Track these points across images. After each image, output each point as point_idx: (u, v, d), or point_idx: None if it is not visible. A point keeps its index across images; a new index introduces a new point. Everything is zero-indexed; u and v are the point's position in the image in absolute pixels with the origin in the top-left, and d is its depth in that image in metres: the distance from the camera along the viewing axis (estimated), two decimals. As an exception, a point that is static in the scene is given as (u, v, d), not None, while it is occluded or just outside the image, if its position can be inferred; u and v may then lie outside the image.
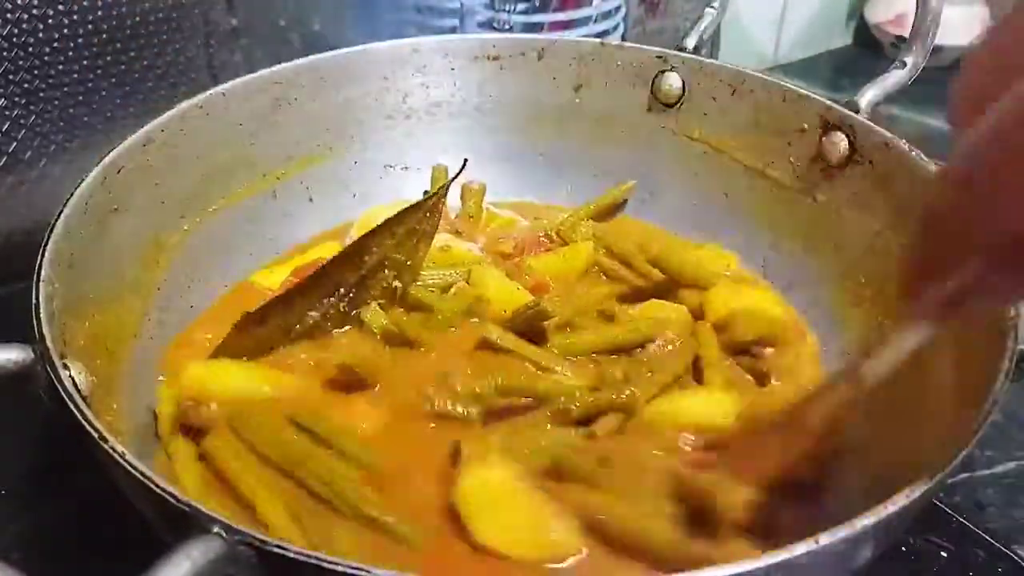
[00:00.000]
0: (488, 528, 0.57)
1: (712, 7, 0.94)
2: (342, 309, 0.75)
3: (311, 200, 0.92)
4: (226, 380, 0.68)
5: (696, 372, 0.74)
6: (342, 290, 0.74)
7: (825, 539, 0.44)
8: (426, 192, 0.93)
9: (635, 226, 0.94)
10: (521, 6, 1.11)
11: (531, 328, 0.73)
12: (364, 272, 0.75)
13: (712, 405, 0.69)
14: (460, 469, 0.60)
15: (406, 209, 0.77)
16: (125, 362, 0.69)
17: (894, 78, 0.80)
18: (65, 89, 0.94)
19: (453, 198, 0.93)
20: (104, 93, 0.96)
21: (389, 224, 0.76)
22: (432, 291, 0.79)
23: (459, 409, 0.66)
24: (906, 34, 0.81)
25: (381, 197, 0.95)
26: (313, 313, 0.73)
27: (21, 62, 0.90)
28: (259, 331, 0.72)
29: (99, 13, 0.93)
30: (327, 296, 0.74)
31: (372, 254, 0.75)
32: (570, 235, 0.89)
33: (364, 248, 0.75)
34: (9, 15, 0.87)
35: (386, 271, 0.76)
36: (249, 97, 0.85)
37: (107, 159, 0.71)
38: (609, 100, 0.95)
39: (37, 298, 0.58)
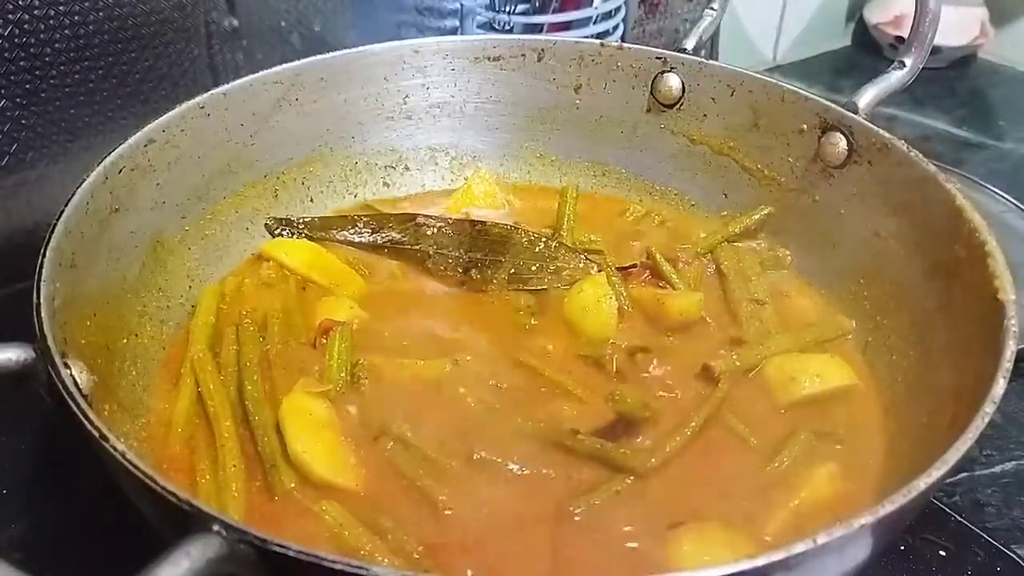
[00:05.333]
0: (296, 441, 0.65)
1: (712, 8, 0.94)
2: (451, 261, 0.86)
3: (311, 200, 0.92)
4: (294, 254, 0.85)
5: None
6: (460, 251, 0.86)
7: (824, 538, 0.44)
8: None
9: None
10: (521, 7, 1.12)
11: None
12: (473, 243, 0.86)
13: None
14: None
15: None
16: (126, 361, 0.69)
17: (893, 79, 0.80)
18: (67, 90, 0.94)
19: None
20: (105, 94, 0.97)
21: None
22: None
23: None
24: (905, 35, 0.81)
25: (382, 198, 0.96)
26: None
27: (22, 63, 0.90)
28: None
29: (100, 14, 0.93)
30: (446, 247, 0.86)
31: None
32: (685, 272, 0.83)
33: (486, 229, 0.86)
34: (10, 16, 0.87)
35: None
36: (250, 97, 0.85)
37: (108, 159, 0.72)
38: (609, 101, 0.95)
39: (38, 297, 0.58)
